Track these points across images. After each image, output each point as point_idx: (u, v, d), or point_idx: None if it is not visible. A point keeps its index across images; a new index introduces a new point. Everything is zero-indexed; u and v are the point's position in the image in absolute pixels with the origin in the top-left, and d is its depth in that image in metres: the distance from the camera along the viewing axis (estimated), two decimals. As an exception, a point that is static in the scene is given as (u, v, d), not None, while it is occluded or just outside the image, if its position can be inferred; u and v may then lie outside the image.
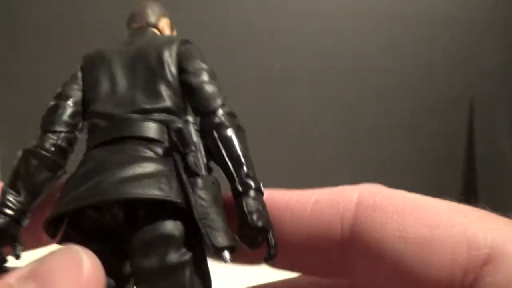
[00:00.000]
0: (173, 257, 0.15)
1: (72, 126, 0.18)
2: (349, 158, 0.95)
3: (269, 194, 0.16)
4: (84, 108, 0.18)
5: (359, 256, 0.13)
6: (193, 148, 0.16)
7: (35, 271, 0.12)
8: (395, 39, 0.95)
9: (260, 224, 0.15)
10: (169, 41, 0.19)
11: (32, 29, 0.85)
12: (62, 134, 0.17)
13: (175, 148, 0.16)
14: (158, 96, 0.17)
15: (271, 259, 0.15)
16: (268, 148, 0.91)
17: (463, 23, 0.96)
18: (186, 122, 0.17)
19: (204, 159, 0.17)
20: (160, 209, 0.15)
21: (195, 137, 0.17)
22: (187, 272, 0.15)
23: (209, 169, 0.17)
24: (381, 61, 0.95)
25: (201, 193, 0.15)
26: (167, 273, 0.15)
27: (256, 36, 0.91)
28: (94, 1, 0.86)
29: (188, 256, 0.15)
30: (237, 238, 0.15)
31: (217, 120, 0.17)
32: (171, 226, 0.15)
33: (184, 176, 0.16)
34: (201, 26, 0.89)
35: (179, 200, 0.15)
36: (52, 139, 0.17)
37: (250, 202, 0.16)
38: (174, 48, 0.19)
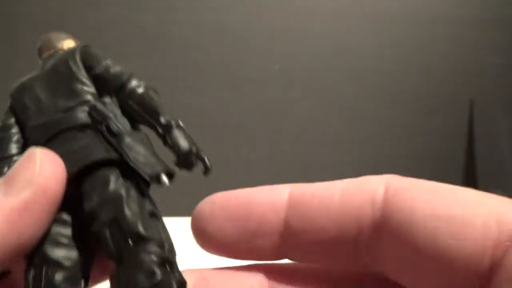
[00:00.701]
0: (111, 188, 0.16)
1: (20, 149, 0.20)
2: (349, 158, 0.95)
3: (292, 187, 0.16)
4: (22, 132, 0.20)
5: (390, 239, 0.13)
6: (111, 115, 0.18)
7: (6, 174, 0.15)
8: (395, 39, 0.96)
9: (187, 145, 0.18)
10: (71, 51, 0.21)
11: (32, 29, 0.85)
12: (14, 157, 0.19)
13: (97, 122, 0.18)
14: (76, 93, 0.19)
15: (209, 171, 0.18)
16: (267, 148, 0.91)
17: (463, 23, 0.97)
18: (104, 102, 0.19)
19: (129, 125, 0.19)
20: (94, 168, 0.17)
21: (115, 110, 0.19)
22: (123, 193, 0.16)
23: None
24: (381, 61, 0.95)
25: (128, 140, 0.18)
26: (106, 203, 0.16)
27: (256, 36, 0.91)
28: (93, 2, 0.86)
29: (124, 185, 0.17)
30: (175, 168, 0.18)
31: (128, 89, 0.20)
32: (107, 172, 0.17)
33: (108, 136, 0.18)
34: (201, 26, 0.89)
35: (112, 156, 0.17)
36: (6, 163, 0.19)
37: (174, 135, 0.18)
38: (77, 55, 0.21)
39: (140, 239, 0.15)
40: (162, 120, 0.18)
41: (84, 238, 0.17)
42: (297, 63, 0.93)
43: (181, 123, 0.19)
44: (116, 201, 0.16)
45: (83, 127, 0.18)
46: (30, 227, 0.15)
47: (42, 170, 0.15)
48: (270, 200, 0.15)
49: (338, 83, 0.95)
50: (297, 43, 0.93)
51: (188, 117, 0.20)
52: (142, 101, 0.19)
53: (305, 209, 0.15)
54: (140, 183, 0.17)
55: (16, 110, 0.20)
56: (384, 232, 0.14)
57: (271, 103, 0.92)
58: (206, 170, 0.18)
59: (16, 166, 0.16)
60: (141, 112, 0.19)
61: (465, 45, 0.97)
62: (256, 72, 0.91)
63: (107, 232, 0.15)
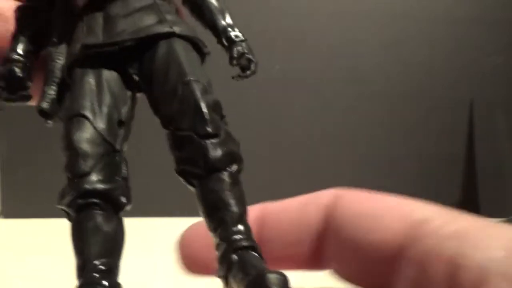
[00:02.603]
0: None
1: None
2: (349, 158, 0.95)
3: (262, 208, 0.18)
4: None
5: (334, 238, 0.16)
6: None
7: None
8: (395, 39, 0.96)
9: (249, 55, 0.20)
10: None
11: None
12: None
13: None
14: None
15: (252, 73, 0.20)
16: (268, 148, 0.91)
17: (463, 23, 0.97)
18: None
19: None
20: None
21: None
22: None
23: None
24: (381, 61, 0.95)
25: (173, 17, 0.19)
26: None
27: (256, 36, 0.91)
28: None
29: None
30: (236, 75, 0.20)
31: None
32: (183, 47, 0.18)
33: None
34: (200, 26, 0.89)
35: (189, 34, 0.18)
36: None
37: (239, 47, 0.20)
38: None
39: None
40: (231, 28, 0.21)
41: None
42: (297, 63, 0.93)
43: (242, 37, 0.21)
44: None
45: None
46: None
47: None
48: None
49: (338, 83, 0.95)
50: (297, 43, 0.93)
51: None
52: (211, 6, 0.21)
53: (275, 222, 0.18)
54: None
55: None
56: (330, 233, 0.16)
57: (271, 103, 0.92)
58: (249, 74, 0.20)
59: None
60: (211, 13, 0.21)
61: (465, 45, 0.97)
62: (256, 72, 0.91)
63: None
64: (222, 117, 0.17)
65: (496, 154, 0.99)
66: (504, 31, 0.97)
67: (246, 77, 0.21)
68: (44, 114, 0.18)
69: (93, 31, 0.18)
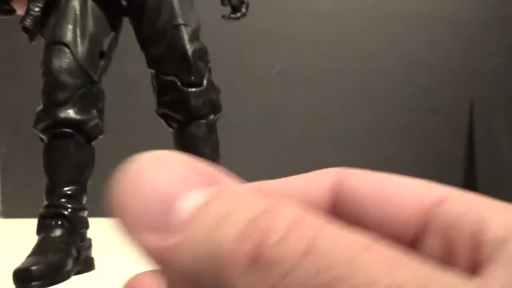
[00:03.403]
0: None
1: None
2: (348, 158, 0.95)
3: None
4: None
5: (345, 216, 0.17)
6: None
7: None
8: (395, 39, 0.96)
9: None
10: None
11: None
12: None
13: None
14: None
15: (242, 15, 0.19)
16: (267, 148, 0.91)
17: (463, 23, 0.97)
18: None
19: None
20: None
21: None
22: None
23: None
24: (381, 61, 0.95)
25: None
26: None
27: (256, 36, 0.91)
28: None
29: None
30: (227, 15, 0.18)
31: None
32: None
33: None
34: (201, 26, 0.89)
35: None
36: None
37: None
38: None
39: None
40: None
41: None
42: (297, 63, 0.92)
43: None
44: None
45: None
46: None
47: None
48: None
49: (338, 83, 0.95)
50: (296, 44, 0.93)
51: (188, 117, 0.20)
52: None
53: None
54: None
55: None
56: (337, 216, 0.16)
57: (271, 103, 0.92)
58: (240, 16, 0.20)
59: None
60: None
61: (465, 45, 0.97)
62: (256, 72, 0.91)
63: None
64: (207, 63, 0.17)
65: (496, 154, 0.98)
66: (504, 31, 0.97)
67: (237, 18, 0.21)
68: (27, 31, 0.18)
69: None
